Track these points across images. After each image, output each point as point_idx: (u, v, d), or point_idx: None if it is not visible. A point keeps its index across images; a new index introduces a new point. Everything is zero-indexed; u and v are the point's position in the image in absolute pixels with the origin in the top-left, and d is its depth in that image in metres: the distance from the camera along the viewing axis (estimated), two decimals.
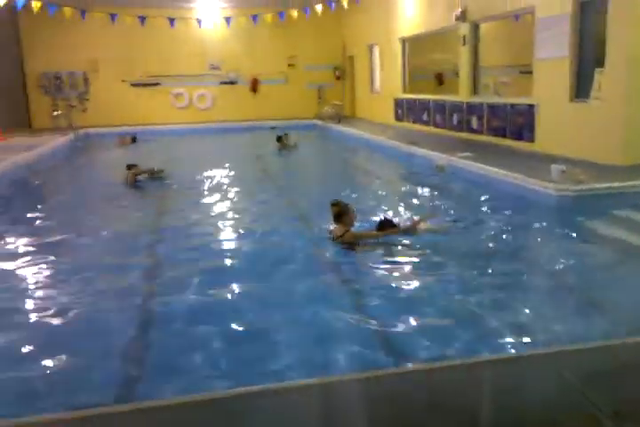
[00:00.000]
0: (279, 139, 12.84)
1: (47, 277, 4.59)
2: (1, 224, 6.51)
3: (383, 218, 5.39)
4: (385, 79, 16.72)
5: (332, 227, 5.16)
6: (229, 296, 4.03)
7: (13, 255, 5.18)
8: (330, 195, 7.47)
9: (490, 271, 4.48)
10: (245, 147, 13.38)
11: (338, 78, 20.20)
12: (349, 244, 4.93)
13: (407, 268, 4.56)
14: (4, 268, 4.84)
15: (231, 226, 6.14)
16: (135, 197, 8.27)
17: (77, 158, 13.16)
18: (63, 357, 3.19)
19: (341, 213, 5.04)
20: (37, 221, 6.63)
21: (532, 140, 9.65)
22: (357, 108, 19.39)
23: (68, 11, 14.75)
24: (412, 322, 3.51)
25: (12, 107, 16.52)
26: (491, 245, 5.27)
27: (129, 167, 8.93)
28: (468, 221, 5.95)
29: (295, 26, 17.83)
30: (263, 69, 19.58)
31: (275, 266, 4.56)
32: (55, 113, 17.70)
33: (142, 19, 15.57)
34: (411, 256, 4.81)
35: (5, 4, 13.81)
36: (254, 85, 19.79)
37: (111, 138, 15.06)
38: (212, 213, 6.71)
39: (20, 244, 5.57)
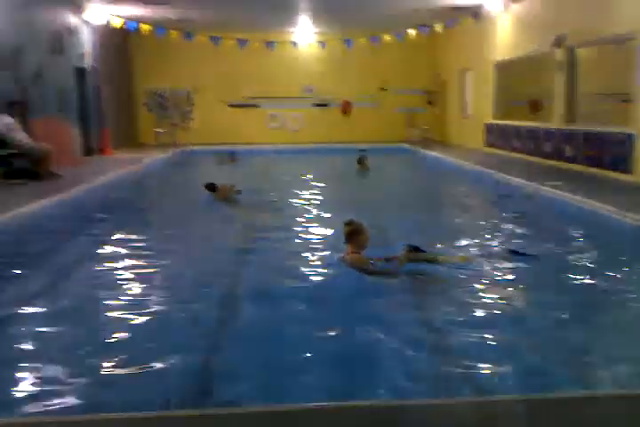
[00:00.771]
0: (360, 161, 13.01)
1: (137, 277, 4.97)
2: (103, 230, 7.12)
3: (406, 245, 4.97)
4: (476, 104, 16.65)
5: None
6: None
7: (113, 257, 5.68)
8: (404, 218, 7.62)
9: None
10: (331, 168, 13.65)
11: (429, 103, 20.27)
12: (358, 269, 4.69)
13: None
14: (105, 270, 5.29)
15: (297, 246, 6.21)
16: (222, 212, 8.63)
17: (175, 173, 13.92)
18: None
19: (353, 234, 4.81)
20: (133, 229, 7.20)
21: (629, 170, 9.35)
22: (447, 132, 19.35)
23: (174, 33, 15.73)
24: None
25: (122, 123, 17.69)
26: (569, 276, 5.10)
27: (208, 187, 8.99)
28: (548, 250, 5.81)
29: (388, 50, 18.13)
30: (355, 93, 19.97)
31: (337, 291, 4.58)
32: (159, 130, 18.78)
33: (242, 42, 16.33)
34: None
35: (119, 27, 14.97)
36: (346, 108, 20.19)
37: (209, 155, 15.78)
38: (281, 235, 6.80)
39: (117, 248, 6.13)
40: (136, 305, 4.30)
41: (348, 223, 4.92)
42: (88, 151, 14.34)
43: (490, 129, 15.38)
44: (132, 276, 5.11)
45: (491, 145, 15.28)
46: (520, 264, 5.21)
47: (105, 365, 3.32)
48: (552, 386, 3.03)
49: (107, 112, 15.67)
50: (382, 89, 20.09)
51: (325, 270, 5.07)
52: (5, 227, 6.40)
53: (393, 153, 16.89)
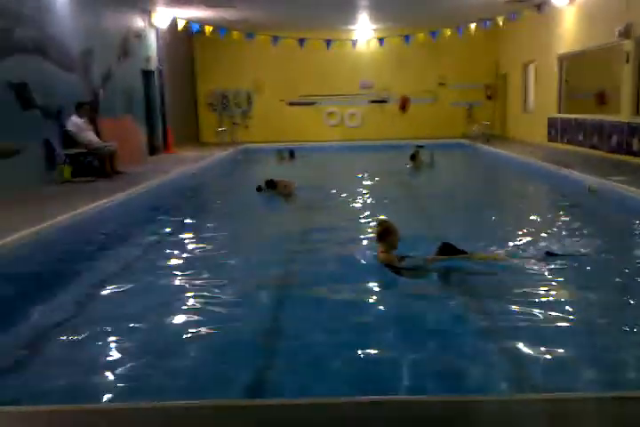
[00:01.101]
0: (413, 157, 12.87)
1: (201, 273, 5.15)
2: (167, 224, 7.45)
3: (441, 243, 5.00)
4: (539, 98, 16.27)
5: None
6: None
7: (176, 250, 5.93)
8: (458, 215, 7.55)
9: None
10: (388, 165, 13.58)
11: (489, 97, 19.93)
12: (390, 267, 4.77)
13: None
14: (168, 263, 5.54)
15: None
16: (279, 208, 8.82)
17: (235, 171, 14.22)
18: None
19: (384, 234, 4.89)
20: (194, 224, 7.56)
21: None
22: (508, 127, 18.99)
23: (236, 34, 16.03)
24: None
25: (185, 122, 18.20)
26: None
27: (267, 183, 9.21)
28: (607, 248, 5.66)
29: (447, 44, 17.92)
30: (413, 88, 19.84)
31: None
32: (220, 129, 19.20)
33: (301, 41, 16.48)
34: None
35: (182, 28, 15.39)
36: (404, 104, 20.09)
37: (268, 153, 16.02)
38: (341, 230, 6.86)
39: (180, 241, 6.45)
40: (200, 295, 4.48)
41: (380, 223, 5.05)
42: (152, 150, 14.83)
43: (553, 123, 15.00)
44: (192, 266, 5.36)
45: (554, 139, 14.91)
46: (556, 265, 5.02)
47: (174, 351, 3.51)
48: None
49: (170, 112, 16.14)
50: (441, 84, 19.88)
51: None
52: (76, 222, 6.74)
53: (452, 149, 16.70)
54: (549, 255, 5.19)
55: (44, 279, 5.11)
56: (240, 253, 5.80)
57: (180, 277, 5.01)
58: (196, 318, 4.04)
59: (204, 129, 19.98)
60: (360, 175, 11.79)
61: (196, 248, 6.10)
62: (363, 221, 7.28)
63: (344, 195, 9.41)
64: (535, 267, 4.94)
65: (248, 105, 20.07)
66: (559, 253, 5.25)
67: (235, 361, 3.38)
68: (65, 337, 3.78)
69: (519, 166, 12.33)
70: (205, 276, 5.01)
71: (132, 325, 3.91)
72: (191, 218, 8.08)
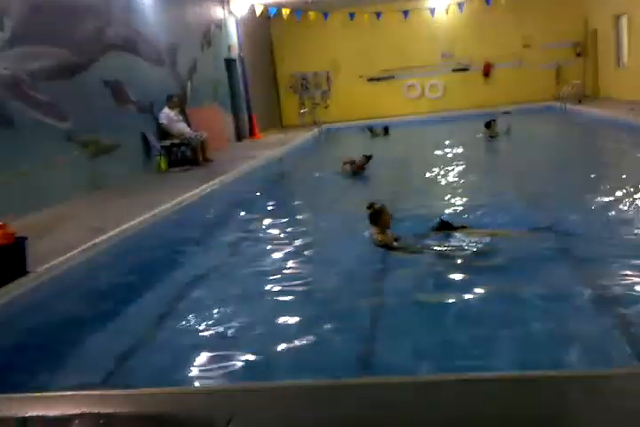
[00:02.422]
0: (488, 125, 12.34)
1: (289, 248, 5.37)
2: (258, 207, 7.81)
3: (439, 220, 5.13)
4: (634, 52, 15.33)
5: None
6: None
7: (274, 230, 6.23)
8: (544, 182, 7.32)
9: None
10: (473, 134, 13.26)
11: (578, 55, 18.98)
12: (386, 247, 4.88)
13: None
14: (261, 245, 5.78)
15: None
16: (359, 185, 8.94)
17: (320, 151, 14.39)
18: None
19: (375, 216, 5.05)
20: (282, 205, 7.89)
21: None
22: (600, 85, 18.03)
23: (312, 14, 16.10)
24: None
25: (268, 107, 18.55)
26: None
27: (349, 162, 9.28)
28: None
29: (530, 3, 17.18)
30: (496, 53, 19.19)
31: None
32: (302, 111, 19.42)
33: (378, 14, 16.32)
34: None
35: (260, 14, 15.62)
36: (487, 70, 19.49)
37: (351, 131, 16.05)
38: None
39: (272, 222, 6.73)
40: (295, 271, 4.69)
41: (370, 206, 5.14)
42: (239, 136, 15.24)
43: None
44: (283, 244, 5.63)
45: None
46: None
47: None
48: None
49: (253, 98, 16.49)
50: (526, 46, 19.11)
51: None
52: (181, 209, 7.14)
53: (541, 113, 16.10)
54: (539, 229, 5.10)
55: (165, 257, 5.62)
56: (335, 230, 5.96)
57: (277, 258, 5.24)
58: (295, 297, 4.24)
59: (286, 112, 20.28)
60: (444, 146, 11.64)
61: (291, 229, 6.34)
62: (446, 194, 7.26)
63: (430, 169, 9.34)
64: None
65: (327, 85, 20.14)
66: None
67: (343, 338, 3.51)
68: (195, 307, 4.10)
69: (617, 126, 11.75)
70: (301, 254, 5.25)
71: (240, 302, 4.16)
72: (282, 200, 8.36)
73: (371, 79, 19.96)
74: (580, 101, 16.03)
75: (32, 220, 6.38)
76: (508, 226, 5.36)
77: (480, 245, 4.78)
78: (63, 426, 2.12)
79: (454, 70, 19.67)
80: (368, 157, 9.36)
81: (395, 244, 4.96)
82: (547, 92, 18.34)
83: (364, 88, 19.94)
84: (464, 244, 4.86)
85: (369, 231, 5.17)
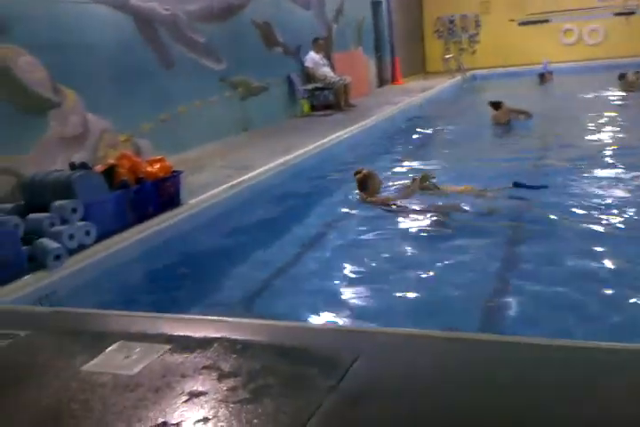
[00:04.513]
0: (622, 77, 11.19)
1: None
2: (401, 151, 7.90)
3: (420, 176, 5.13)
4: None
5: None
6: None
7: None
8: None
9: None
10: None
11: None
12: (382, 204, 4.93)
13: None
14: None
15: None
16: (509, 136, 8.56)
17: (463, 99, 13.92)
18: None
19: (364, 181, 5.07)
20: (425, 152, 7.88)
21: None
22: None
23: None
24: None
25: (411, 52, 18.13)
26: None
27: (494, 105, 8.86)
28: None
29: None
30: None
31: None
32: (446, 56, 18.78)
33: None
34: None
35: None
36: None
37: (498, 78, 15.33)
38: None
39: (410, 168, 6.71)
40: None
41: (357, 173, 5.14)
42: (381, 81, 15.11)
43: None
44: None
45: None
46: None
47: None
48: None
49: (398, 42, 16.16)
50: None
51: None
52: (324, 151, 7.37)
53: None
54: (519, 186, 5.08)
55: (308, 194, 5.97)
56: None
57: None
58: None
59: (430, 57, 19.68)
60: (600, 98, 10.83)
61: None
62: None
63: (577, 123, 8.80)
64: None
65: (475, 29, 19.21)
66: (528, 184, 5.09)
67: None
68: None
69: None
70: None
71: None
72: (422, 146, 8.29)
73: (523, 23, 18.73)
74: None
75: (185, 157, 6.87)
76: None
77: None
78: (204, 347, 2.35)
79: (617, 14, 17.92)
80: (525, 113, 8.93)
81: (390, 201, 4.98)
82: None
83: (516, 32, 18.77)
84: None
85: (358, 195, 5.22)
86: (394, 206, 4.93)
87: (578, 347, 2.13)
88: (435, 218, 4.67)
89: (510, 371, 2.00)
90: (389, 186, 5.61)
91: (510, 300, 3.31)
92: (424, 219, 4.71)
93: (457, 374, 2.02)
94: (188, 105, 7.61)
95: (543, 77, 14.25)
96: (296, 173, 6.46)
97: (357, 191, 5.23)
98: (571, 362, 2.02)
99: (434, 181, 5.14)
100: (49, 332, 2.76)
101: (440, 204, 4.94)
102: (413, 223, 4.67)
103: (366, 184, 5.10)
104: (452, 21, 19.22)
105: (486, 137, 8.59)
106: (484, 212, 4.70)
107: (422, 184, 5.03)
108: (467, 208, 4.79)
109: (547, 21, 18.51)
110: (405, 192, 5.11)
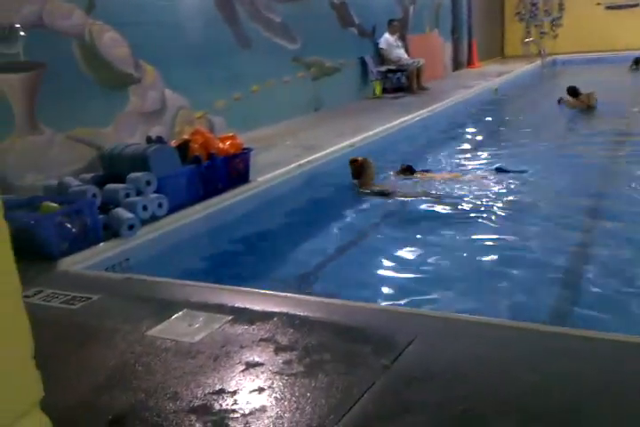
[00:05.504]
0: (637, 61, 10.71)
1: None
2: (470, 136, 7.87)
3: (405, 165, 5.53)
4: None
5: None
6: None
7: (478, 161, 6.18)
8: None
9: None
10: None
11: None
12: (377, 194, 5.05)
13: None
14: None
15: None
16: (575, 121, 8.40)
17: (543, 84, 13.45)
18: None
19: (361, 170, 5.21)
20: (494, 138, 7.79)
21: None
22: None
23: None
24: None
25: (489, 35, 17.60)
26: None
27: (570, 91, 8.85)
28: None
29: None
30: None
31: None
32: (527, 40, 18.14)
33: None
34: None
35: None
36: None
37: (581, 64, 14.73)
38: None
39: (482, 154, 6.61)
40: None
41: (353, 162, 5.28)
42: (456, 65, 14.78)
43: None
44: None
45: None
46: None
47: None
48: None
49: (476, 25, 15.72)
50: None
51: None
52: (394, 134, 7.35)
53: None
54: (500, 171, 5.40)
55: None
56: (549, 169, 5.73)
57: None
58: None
59: (509, 41, 19.01)
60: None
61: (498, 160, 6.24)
62: None
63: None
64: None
65: (559, 12, 18.39)
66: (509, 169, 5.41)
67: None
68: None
69: None
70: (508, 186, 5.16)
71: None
72: (491, 132, 8.12)
73: (610, 7, 17.81)
74: None
75: (256, 135, 6.98)
76: None
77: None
78: (263, 320, 2.43)
79: None
80: (588, 96, 8.69)
81: (388, 190, 5.09)
82: None
83: (602, 16, 17.86)
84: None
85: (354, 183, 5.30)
86: (388, 195, 5.06)
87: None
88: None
89: (566, 361, 1.98)
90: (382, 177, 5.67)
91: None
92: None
93: (513, 363, 2.01)
94: (262, 84, 7.70)
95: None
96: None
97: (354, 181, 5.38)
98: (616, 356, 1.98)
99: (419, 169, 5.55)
100: (119, 297, 2.91)
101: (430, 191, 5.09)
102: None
103: (361, 173, 5.27)
104: (534, 4, 18.48)
105: (561, 123, 8.36)
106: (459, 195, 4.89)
107: (405, 174, 5.43)
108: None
109: (637, 6, 17.54)
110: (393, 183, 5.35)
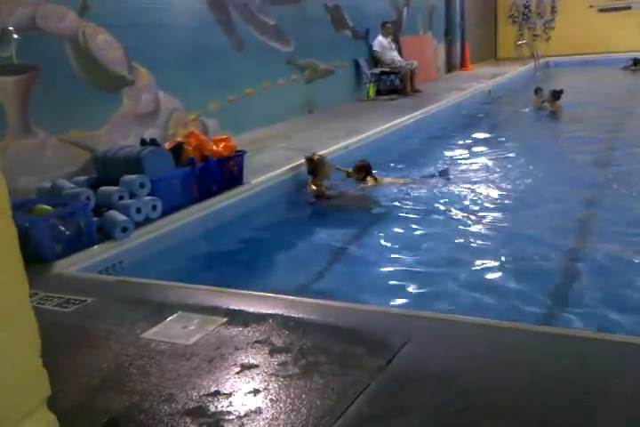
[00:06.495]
0: (636, 62, 10.80)
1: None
2: (467, 136, 7.90)
3: (360, 162, 5.49)
4: None
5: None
6: None
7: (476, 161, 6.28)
8: None
9: None
10: None
11: None
12: (319, 197, 5.12)
13: None
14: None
15: None
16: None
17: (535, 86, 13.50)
18: None
19: (317, 167, 5.21)
20: (483, 139, 7.83)
21: None
22: None
23: None
24: None
25: (482, 37, 17.68)
26: None
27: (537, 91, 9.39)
28: None
29: None
30: None
31: None
32: (519, 42, 18.20)
33: None
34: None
35: None
36: None
37: (573, 66, 14.82)
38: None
39: (480, 153, 6.72)
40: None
41: (310, 159, 5.28)
42: (449, 67, 14.82)
43: None
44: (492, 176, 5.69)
45: None
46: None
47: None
48: None
49: (469, 27, 15.78)
50: None
51: None
52: (387, 136, 7.36)
53: None
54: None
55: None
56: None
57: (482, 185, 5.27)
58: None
59: (502, 43, 19.09)
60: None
61: (495, 158, 6.37)
62: None
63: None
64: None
65: (552, 14, 18.48)
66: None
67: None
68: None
69: None
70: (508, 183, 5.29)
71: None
72: (487, 133, 8.17)
73: (602, 9, 17.90)
74: None
75: (250, 137, 6.97)
76: None
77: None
78: (258, 322, 2.43)
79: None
80: (556, 92, 8.90)
81: (329, 193, 5.18)
82: None
83: (594, 19, 17.96)
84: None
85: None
86: (331, 198, 5.15)
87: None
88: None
89: (561, 362, 1.98)
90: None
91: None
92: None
93: (508, 364, 2.02)
94: (256, 86, 7.70)
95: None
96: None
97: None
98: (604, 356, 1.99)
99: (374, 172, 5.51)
100: (113, 300, 2.91)
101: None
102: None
103: (317, 169, 5.30)
104: (527, 6, 18.57)
105: (548, 124, 8.50)
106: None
107: (359, 174, 5.43)
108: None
109: (628, 8, 17.65)
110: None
